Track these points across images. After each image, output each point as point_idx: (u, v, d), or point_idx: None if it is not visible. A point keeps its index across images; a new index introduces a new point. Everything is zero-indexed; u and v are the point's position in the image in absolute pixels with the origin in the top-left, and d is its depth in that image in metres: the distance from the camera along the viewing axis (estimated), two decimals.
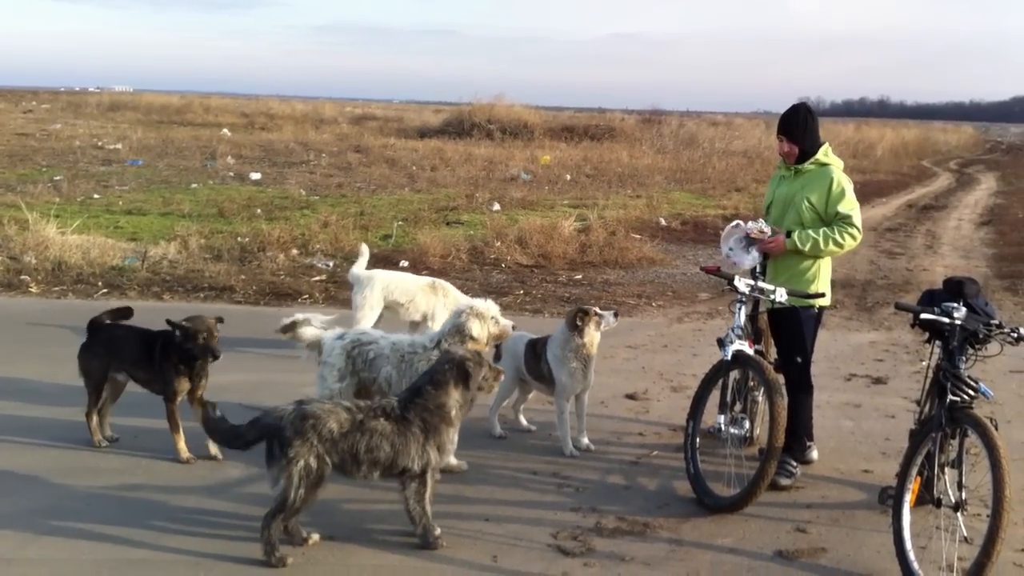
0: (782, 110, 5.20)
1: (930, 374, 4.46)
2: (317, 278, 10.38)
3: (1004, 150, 53.77)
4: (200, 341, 4.97)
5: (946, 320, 4.13)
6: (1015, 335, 4.10)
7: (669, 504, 4.76)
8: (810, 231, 4.95)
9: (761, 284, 4.89)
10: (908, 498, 4.03)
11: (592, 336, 5.31)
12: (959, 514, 3.92)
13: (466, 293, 7.49)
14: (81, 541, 4.12)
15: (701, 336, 8.47)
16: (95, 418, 5.28)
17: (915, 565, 3.88)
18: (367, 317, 6.97)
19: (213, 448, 5.08)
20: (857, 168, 27.12)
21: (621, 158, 26.03)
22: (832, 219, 4.97)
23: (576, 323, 5.28)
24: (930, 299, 4.54)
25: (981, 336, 4.12)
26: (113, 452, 5.22)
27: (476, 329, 5.00)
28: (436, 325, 6.81)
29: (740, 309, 4.95)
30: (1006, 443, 3.88)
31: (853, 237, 4.94)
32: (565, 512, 4.60)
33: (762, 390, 4.92)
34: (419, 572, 3.97)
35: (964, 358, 4.13)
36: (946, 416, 4.00)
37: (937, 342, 4.40)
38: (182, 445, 5.08)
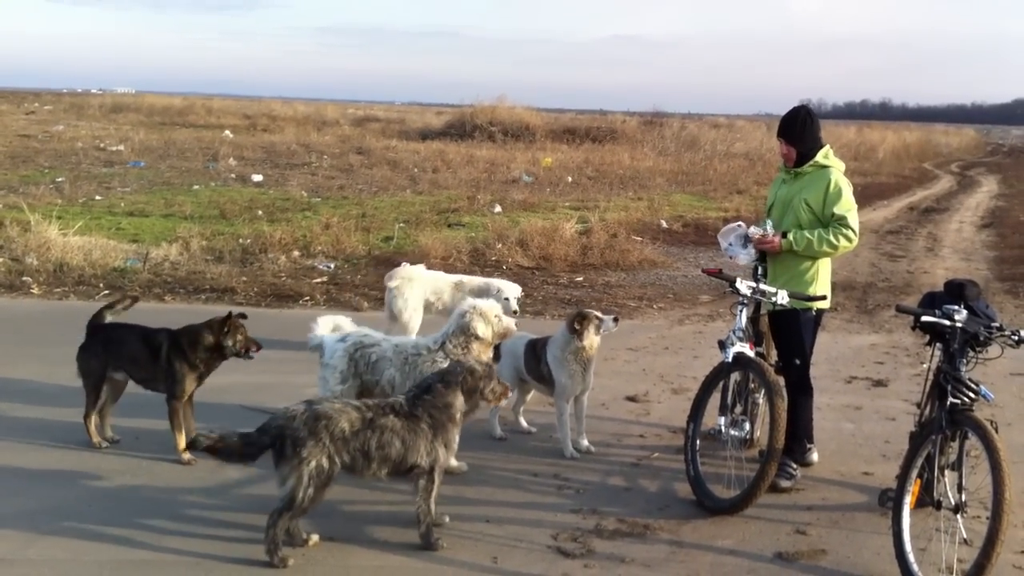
0: (784, 112, 5.22)
1: (931, 377, 4.47)
2: (318, 280, 10.39)
3: (1006, 152, 53.76)
4: (240, 337, 5.10)
5: (947, 323, 4.13)
6: (1016, 338, 4.10)
7: (669, 506, 4.76)
8: (805, 232, 4.96)
9: (763, 286, 4.90)
10: (908, 500, 4.03)
11: (591, 340, 5.31)
12: (959, 516, 3.92)
13: None
14: (82, 541, 4.13)
15: (702, 338, 8.47)
16: (95, 419, 5.29)
17: (915, 567, 3.89)
18: (413, 320, 7.19)
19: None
20: (859, 170, 27.13)
21: (622, 160, 26.01)
22: (829, 220, 4.97)
23: (575, 327, 5.28)
24: (931, 302, 4.54)
25: (982, 339, 4.12)
26: (114, 453, 5.23)
27: (481, 328, 4.97)
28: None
29: (741, 311, 4.96)
30: (1006, 446, 3.89)
31: (848, 239, 4.94)
32: (565, 514, 4.60)
33: (763, 392, 4.92)
34: (419, 573, 3.97)
35: (965, 361, 4.13)
36: (946, 418, 4.01)
37: (938, 345, 4.41)
38: (183, 445, 5.09)
